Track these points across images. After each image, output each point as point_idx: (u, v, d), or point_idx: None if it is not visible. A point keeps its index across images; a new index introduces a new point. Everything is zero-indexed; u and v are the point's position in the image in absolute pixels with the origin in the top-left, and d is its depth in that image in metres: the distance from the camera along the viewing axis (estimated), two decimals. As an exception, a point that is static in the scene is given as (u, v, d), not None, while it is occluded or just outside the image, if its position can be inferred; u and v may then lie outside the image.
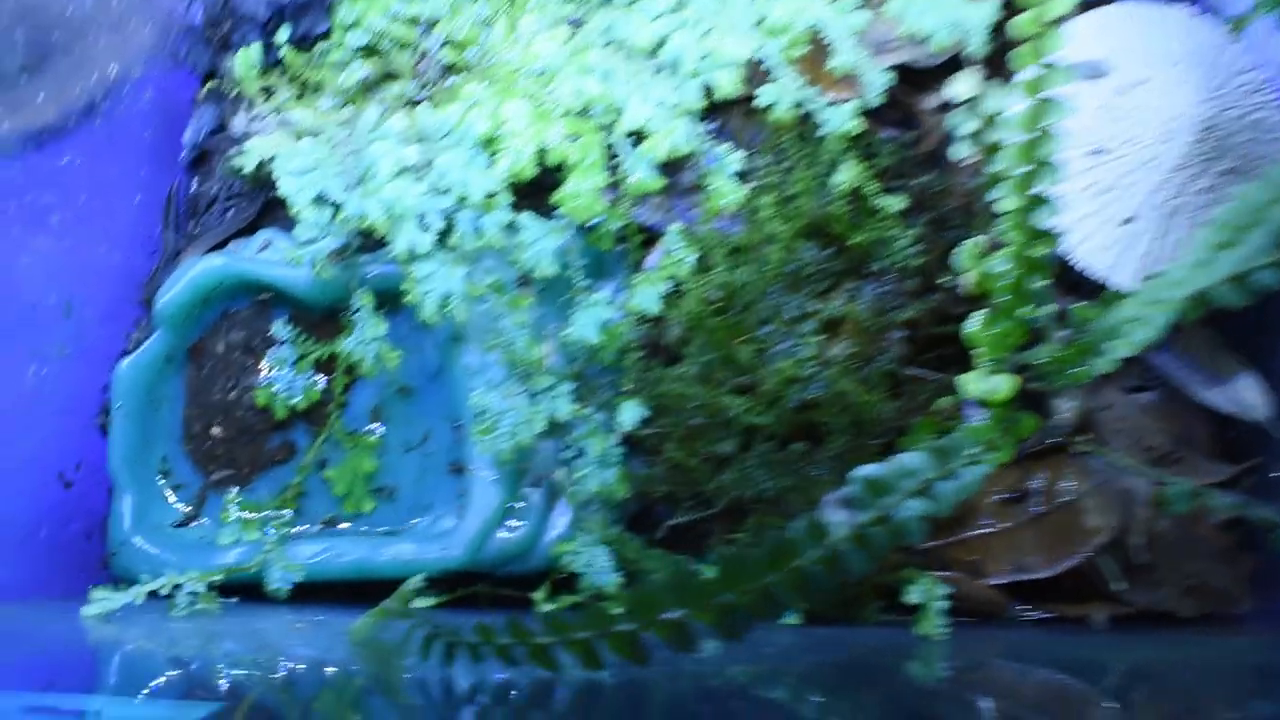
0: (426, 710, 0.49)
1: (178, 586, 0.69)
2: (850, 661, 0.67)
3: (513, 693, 0.52)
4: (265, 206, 0.85)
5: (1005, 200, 0.64)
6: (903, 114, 0.80)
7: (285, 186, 0.75)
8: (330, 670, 0.56)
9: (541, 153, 0.75)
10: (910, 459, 0.59)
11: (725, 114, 0.81)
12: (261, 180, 0.85)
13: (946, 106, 0.80)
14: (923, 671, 0.65)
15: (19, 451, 0.72)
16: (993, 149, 0.64)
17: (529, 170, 0.75)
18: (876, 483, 0.57)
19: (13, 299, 0.70)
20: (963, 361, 0.77)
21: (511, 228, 0.75)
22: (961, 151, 0.65)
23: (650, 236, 0.81)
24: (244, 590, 0.75)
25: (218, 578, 0.71)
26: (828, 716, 0.55)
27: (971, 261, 0.70)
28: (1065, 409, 0.76)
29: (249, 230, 0.85)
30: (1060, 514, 0.76)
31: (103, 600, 0.66)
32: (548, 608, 0.75)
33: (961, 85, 0.64)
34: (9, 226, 0.70)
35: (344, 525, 0.79)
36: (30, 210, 0.72)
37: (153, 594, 0.69)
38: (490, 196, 0.74)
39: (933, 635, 0.66)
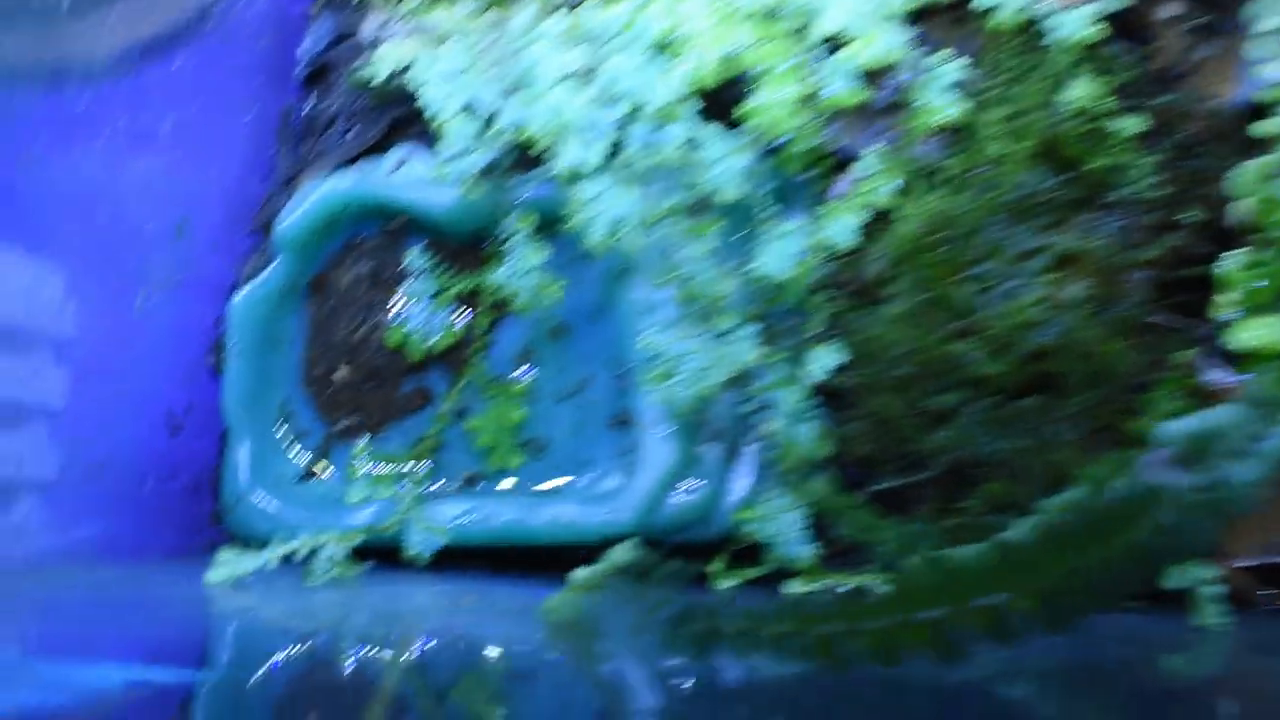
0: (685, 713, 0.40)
1: (315, 549, 0.59)
2: (1104, 657, 0.57)
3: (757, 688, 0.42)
4: (393, 126, 0.75)
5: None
6: (1135, 24, 0.69)
7: (429, 94, 0.65)
8: (523, 655, 0.46)
9: (728, 58, 0.65)
10: (1224, 414, 0.49)
11: (928, 22, 0.70)
12: (389, 95, 0.75)
13: (1183, 18, 0.70)
14: (1186, 669, 0.56)
15: (125, 388, 0.62)
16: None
17: (713, 77, 0.65)
18: (1199, 440, 0.47)
19: (119, 218, 0.61)
20: (1200, 309, 0.67)
21: (692, 143, 0.65)
22: (1259, 50, 0.54)
23: (839, 161, 0.71)
24: (376, 554, 0.65)
25: (357, 540, 0.61)
26: None
27: (1252, 186, 0.59)
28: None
29: (374, 151, 0.75)
30: (1316, 487, 0.65)
31: (229, 563, 0.57)
32: (728, 583, 0.65)
33: None
34: (116, 138, 0.60)
35: (486, 483, 0.69)
36: (140, 121, 0.62)
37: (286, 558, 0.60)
38: (671, 105, 0.64)
39: (1212, 626, 0.56)
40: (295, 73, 0.76)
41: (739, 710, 0.40)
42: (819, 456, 0.64)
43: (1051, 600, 0.41)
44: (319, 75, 0.78)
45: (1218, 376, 0.66)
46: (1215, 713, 0.50)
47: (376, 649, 0.45)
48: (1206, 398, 0.65)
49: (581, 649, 0.46)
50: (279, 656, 0.45)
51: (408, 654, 0.43)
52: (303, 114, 0.77)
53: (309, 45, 0.77)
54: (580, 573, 0.50)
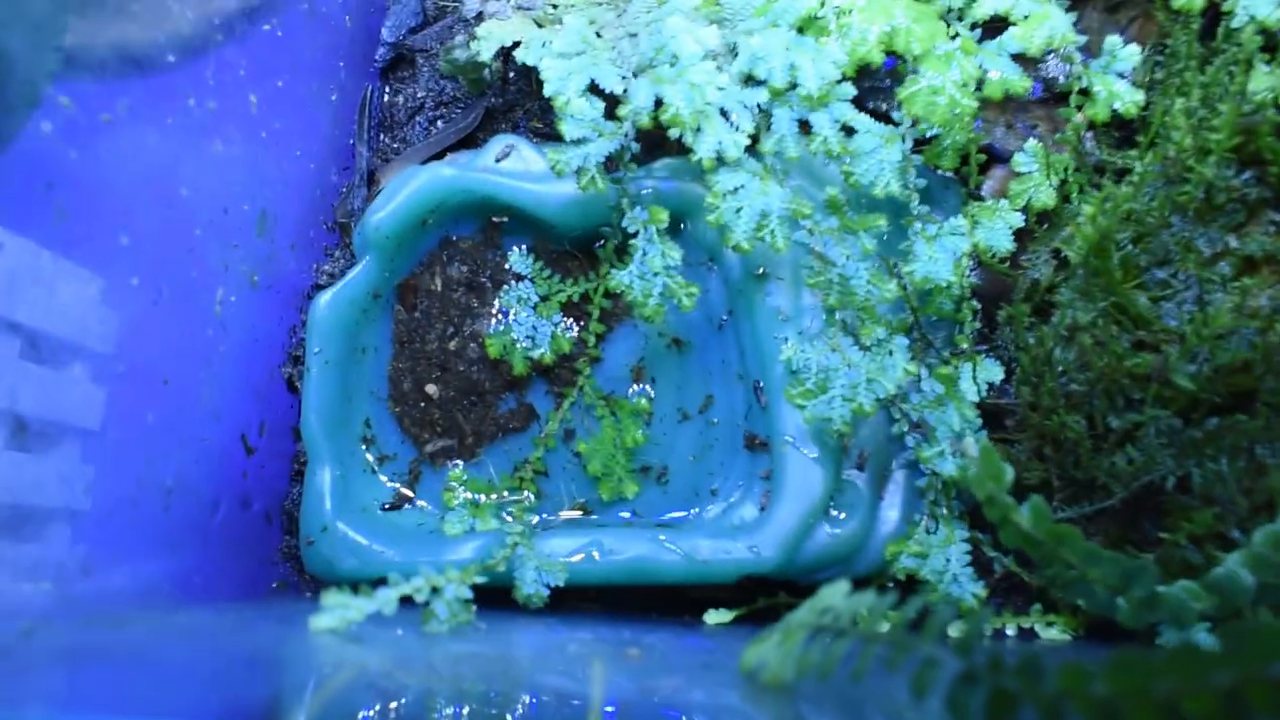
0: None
1: (435, 589, 0.50)
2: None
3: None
4: (486, 116, 0.68)
5: None
6: (1311, 13, 0.64)
7: (549, 73, 0.58)
8: None
9: (890, 35, 0.58)
10: None
11: (1081, 8, 0.65)
12: (484, 84, 0.68)
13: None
14: None
15: (200, 401, 0.54)
16: None
17: (875, 55, 0.58)
18: None
19: (203, 196, 0.53)
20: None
21: (847, 130, 0.58)
22: None
23: (991, 156, 0.64)
24: (478, 593, 0.57)
25: (478, 579, 0.52)
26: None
27: None
28: None
29: (465, 144, 0.68)
30: None
31: (338, 608, 0.48)
32: (883, 627, 0.57)
33: None
34: (204, 97, 0.52)
35: (599, 514, 0.61)
36: (228, 84, 0.54)
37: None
38: (825, 88, 0.57)
39: None
40: (376, 58, 0.69)
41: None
42: (1004, 483, 0.56)
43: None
44: (401, 61, 0.70)
45: None
46: None
47: (573, 705, 0.36)
48: None
49: (807, 717, 0.38)
50: (447, 718, 0.37)
51: None
52: (381, 103, 0.70)
53: (389, 31, 0.69)
54: (794, 619, 0.42)
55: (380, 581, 0.54)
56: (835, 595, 0.42)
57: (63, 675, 0.38)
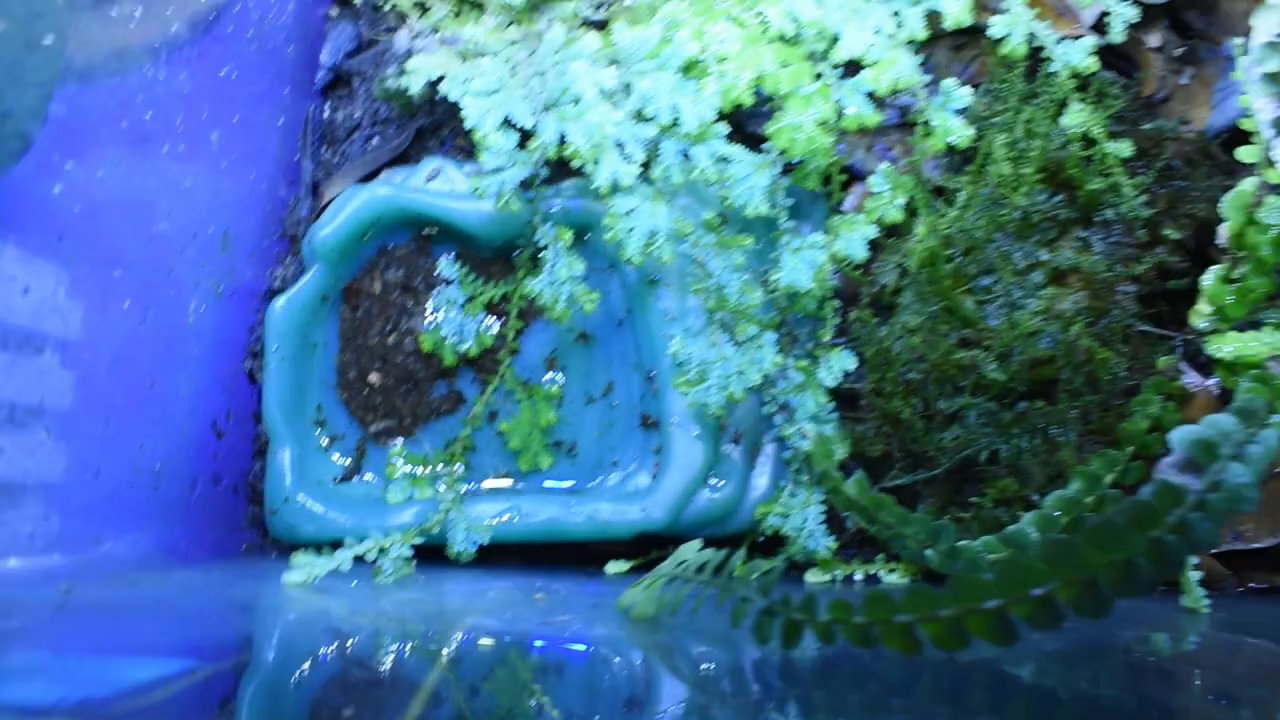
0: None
1: (383, 550, 0.62)
2: (1102, 637, 0.63)
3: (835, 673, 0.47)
4: (417, 134, 0.77)
5: (1299, 144, 0.60)
6: (1122, 52, 0.75)
7: (469, 109, 0.67)
8: (607, 650, 0.50)
9: (759, 79, 0.69)
10: (1222, 420, 0.55)
11: (930, 48, 0.75)
12: (414, 107, 0.77)
13: (1164, 47, 0.76)
14: (1166, 647, 0.62)
15: (179, 398, 0.64)
16: (1295, 87, 0.59)
17: (746, 97, 0.68)
18: (1206, 444, 0.52)
19: (178, 228, 0.62)
20: (1177, 320, 0.73)
21: (721, 160, 0.69)
22: (1256, 90, 0.60)
23: (850, 177, 0.75)
24: (418, 551, 0.68)
25: (417, 540, 0.64)
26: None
27: (1236, 211, 0.65)
28: None
29: (398, 161, 0.77)
30: (1279, 482, 0.72)
31: (305, 565, 0.59)
32: (749, 575, 0.69)
33: (1268, 19, 0.59)
34: (176, 144, 0.61)
35: (513, 483, 0.72)
36: (194, 127, 0.64)
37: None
38: (704, 125, 0.67)
39: (1199, 609, 0.62)
40: (315, 80, 0.78)
41: (827, 690, 0.44)
42: (841, 456, 0.68)
43: (1094, 589, 0.46)
44: (340, 82, 0.79)
45: (1194, 381, 0.73)
46: (1189, 683, 0.56)
47: (490, 640, 0.48)
48: (1184, 401, 0.72)
49: (663, 642, 0.50)
50: (393, 651, 0.48)
51: (522, 649, 0.47)
52: (321, 120, 0.79)
53: (328, 55, 0.78)
54: (659, 570, 0.54)
55: (336, 544, 0.65)
56: (690, 550, 0.54)
57: (101, 622, 0.49)
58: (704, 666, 0.46)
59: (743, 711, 0.43)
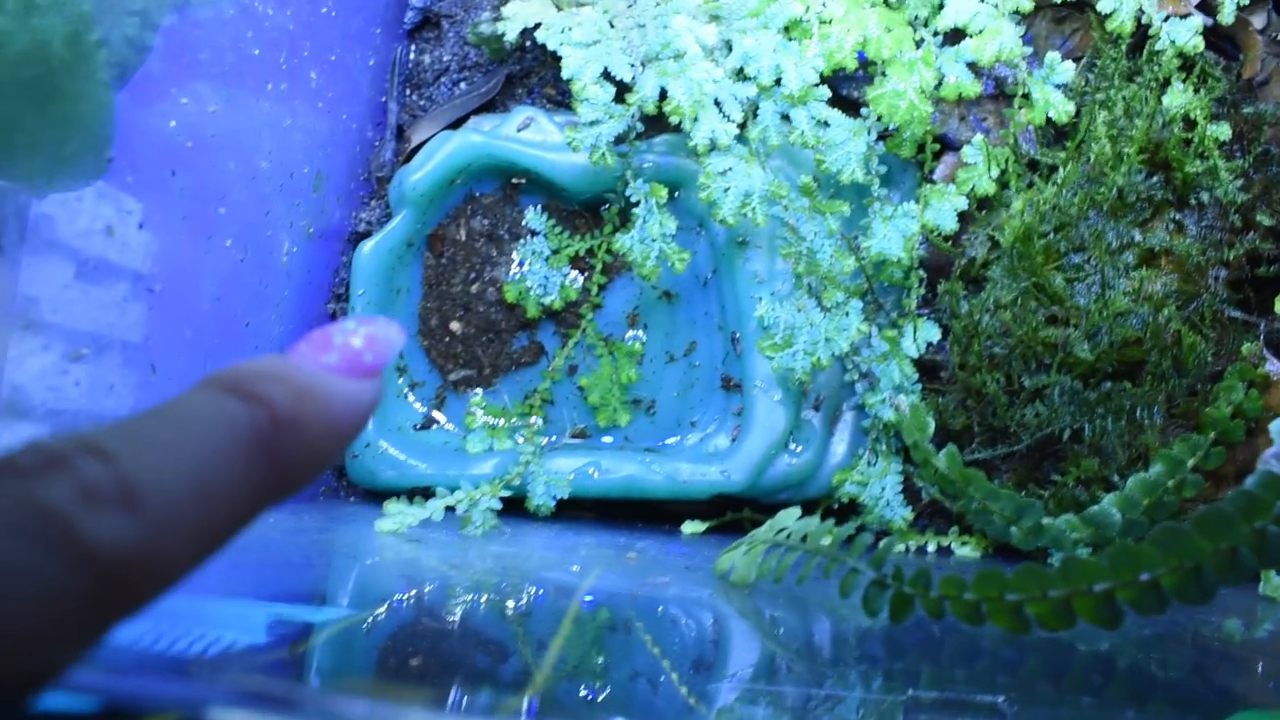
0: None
1: (474, 502, 0.62)
2: (1178, 620, 0.63)
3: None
4: (505, 83, 0.77)
5: None
6: (1225, 34, 0.74)
7: (569, 60, 0.67)
8: (713, 613, 0.50)
9: (863, 43, 0.68)
10: (1326, 412, 0.55)
11: (1031, 20, 0.74)
12: (505, 53, 0.76)
13: (1268, 28, 0.74)
14: (1237, 634, 0.62)
15: (271, 340, 0.64)
16: None
17: (849, 61, 0.68)
18: (1312, 437, 0.52)
19: (278, 166, 0.62)
20: (1262, 307, 0.73)
21: (821, 124, 0.68)
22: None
23: (943, 146, 0.75)
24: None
25: (503, 493, 0.64)
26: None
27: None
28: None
29: (486, 108, 0.77)
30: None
31: (397, 514, 0.59)
32: (825, 539, 0.70)
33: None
34: (279, 81, 0.61)
35: (595, 438, 0.73)
36: (296, 66, 0.63)
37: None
38: (805, 88, 0.67)
39: (1278, 598, 0.63)
40: (405, 20, 0.77)
41: (933, 664, 0.44)
42: (927, 434, 0.68)
43: (1199, 576, 0.46)
44: (428, 24, 0.79)
45: (1276, 369, 0.73)
46: (1258, 670, 0.56)
47: (595, 603, 0.48)
48: (1266, 388, 0.71)
49: (760, 608, 0.50)
50: (493, 604, 0.48)
51: (629, 617, 0.47)
52: (408, 64, 0.78)
53: (419, -5, 0.77)
54: (757, 535, 0.54)
55: (416, 491, 0.65)
56: (789, 518, 0.54)
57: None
58: (807, 634, 0.47)
59: (847, 680, 0.44)
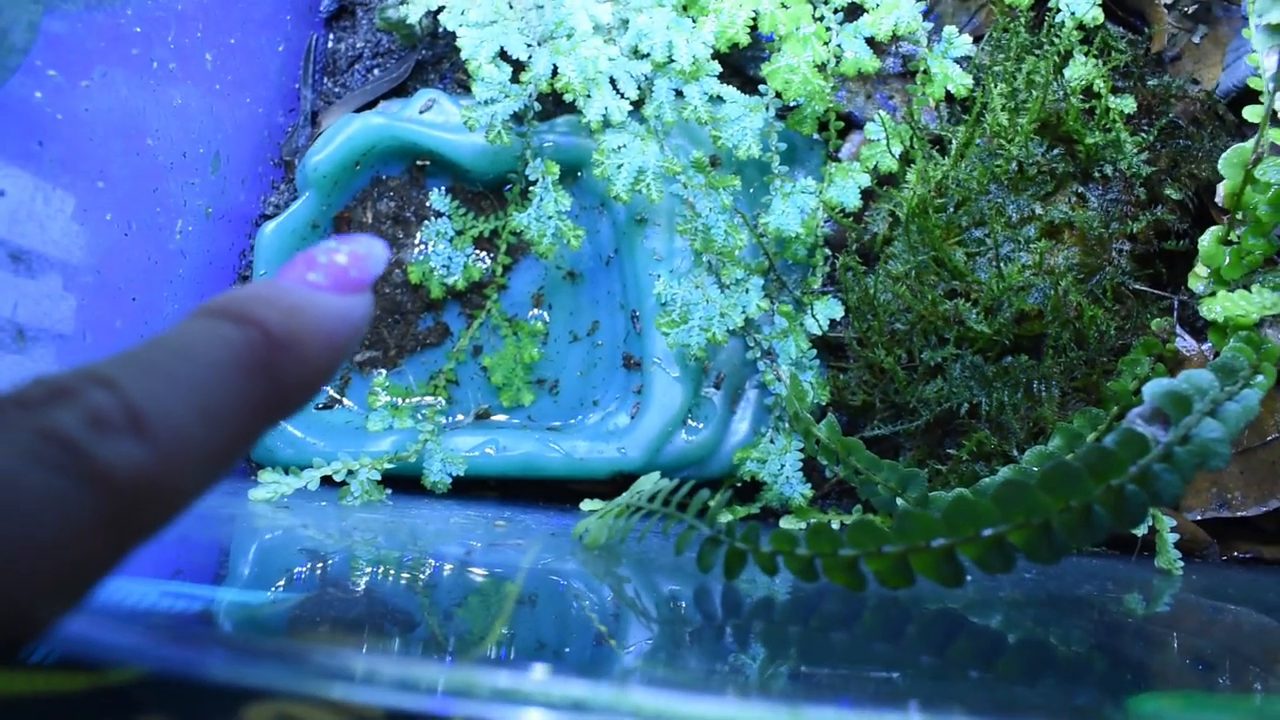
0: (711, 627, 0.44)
1: (351, 473, 0.62)
2: (1072, 592, 0.62)
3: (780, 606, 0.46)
4: (416, 67, 0.77)
5: (1300, 100, 0.58)
6: (1132, 7, 0.73)
7: (465, 40, 0.67)
8: (570, 577, 0.50)
9: (755, 18, 0.68)
10: (1200, 376, 0.54)
11: (937, -6, 0.74)
12: (415, 38, 0.77)
13: (1177, 3, 0.74)
14: (1138, 608, 0.61)
15: (163, 316, 0.64)
16: (1298, 41, 0.58)
17: (742, 36, 0.68)
18: (1178, 397, 0.51)
19: (166, 145, 0.63)
20: (1175, 282, 0.72)
21: (715, 100, 0.68)
22: (1260, 42, 0.58)
23: (848, 124, 0.74)
24: (393, 481, 0.69)
25: (388, 466, 0.64)
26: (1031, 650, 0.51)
27: (1234, 169, 0.64)
28: (1278, 337, 0.71)
29: (397, 93, 0.77)
30: (1269, 451, 0.71)
31: (272, 484, 0.60)
32: (725, 518, 0.69)
33: (1273, -34, 0.57)
34: (166, 61, 0.62)
35: (498, 417, 0.73)
36: (187, 46, 0.64)
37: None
38: (697, 64, 0.67)
39: (1173, 571, 0.62)
40: (320, 8, 0.78)
41: (763, 619, 0.44)
42: (818, 403, 0.68)
43: (1048, 534, 0.45)
44: (343, 13, 0.79)
45: (1189, 345, 0.72)
46: (1159, 648, 0.56)
47: (438, 563, 0.48)
48: (1176, 364, 0.70)
49: (612, 569, 0.50)
50: (362, 570, 0.48)
51: (467, 568, 0.47)
52: (324, 50, 0.79)
53: (334, -16, 0.78)
54: (618, 500, 0.54)
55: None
56: (647, 482, 0.54)
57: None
58: (647, 593, 0.47)
59: (676, 640, 0.44)
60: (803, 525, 0.70)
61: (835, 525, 0.71)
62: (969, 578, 0.46)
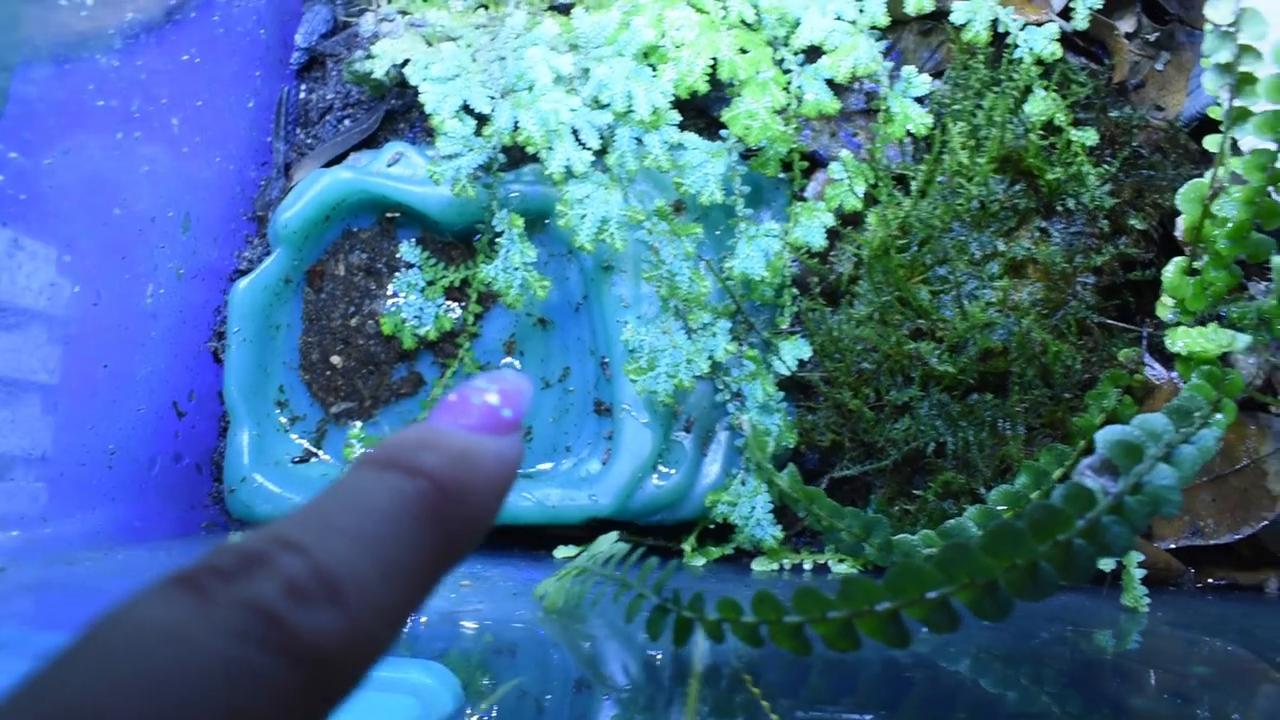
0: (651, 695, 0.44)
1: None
2: (1036, 635, 0.62)
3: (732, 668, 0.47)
4: (387, 117, 0.78)
5: (1251, 138, 0.58)
6: (1093, 38, 0.73)
7: (427, 95, 0.68)
8: (522, 631, 0.51)
9: (714, 65, 0.68)
10: (1153, 420, 0.54)
11: (896, 33, 0.74)
12: (384, 89, 0.78)
13: (1138, 32, 0.74)
14: (1107, 646, 0.61)
15: (136, 379, 0.65)
16: (1246, 79, 0.58)
17: (700, 84, 0.68)
18: (1128, 446, 0.52)
19: (133, 212, 0.64)
20: (1143, 312, 0.72)
21: (676, 148, 0.69)
22: (1210, 82, 0.59)
23: (812, 164, 0.75)
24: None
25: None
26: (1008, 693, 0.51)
27: (1192, 204, 0.64)
28: (1247, 366, 0.71)
29: (368, 144, 0.78)
30: (1241, 477, 0.71)
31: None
32: (699, 561, 0.70)
33: (1219, 9, 0.57)
34: (131, 129, 0.63)
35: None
36: (151, 114, 0.65)
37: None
38: (657, 112, 0.67)
39: (1139, 608, 0.62)
40: (291, 61, 0.79)
41: (711, 685, 0.45)
42: (783, 446, 0.68)
43: (991, 593, 0.46)
44: (314, 65, 0.80)
45: (1158, 374, 0.72)
46: (1133, 685, 0.56)
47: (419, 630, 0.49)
48: (1147, 394, 0.71)
49: (571, 630, 0.51)
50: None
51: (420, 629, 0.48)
52: (296, 102, 0.80)
53: (303, 36, 0.79)
54: (575, 562, 0.55)
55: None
56: (605, 543, 0.54)
57: (30, 603, 0.51)
58: (598, 660, 0.47)
59: (626, 705, 0.44)
60: (775, 567, 0.71)
61: (807, 565, 0.71)
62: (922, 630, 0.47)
